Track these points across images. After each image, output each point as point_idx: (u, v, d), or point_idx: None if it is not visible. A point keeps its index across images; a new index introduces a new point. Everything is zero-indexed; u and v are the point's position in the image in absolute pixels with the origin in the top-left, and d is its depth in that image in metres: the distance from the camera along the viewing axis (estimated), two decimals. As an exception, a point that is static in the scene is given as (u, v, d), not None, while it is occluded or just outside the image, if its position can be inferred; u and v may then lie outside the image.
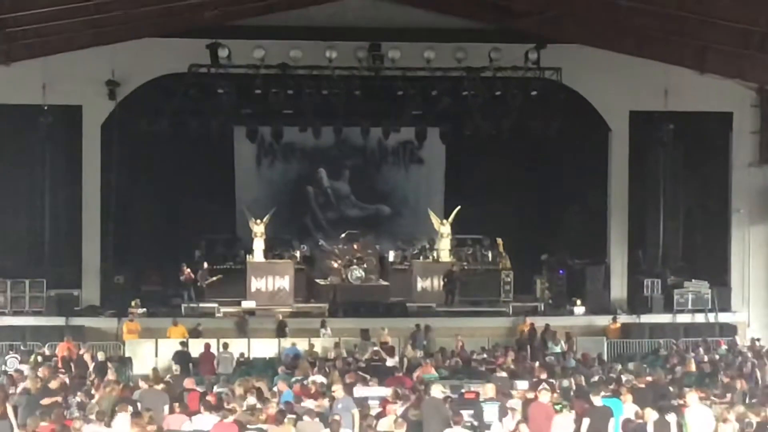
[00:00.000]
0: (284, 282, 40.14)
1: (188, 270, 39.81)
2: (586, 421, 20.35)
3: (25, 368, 29.59)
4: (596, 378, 27.76)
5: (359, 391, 25.19)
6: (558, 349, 35.54)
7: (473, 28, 40.34)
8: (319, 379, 27.22)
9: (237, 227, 43.00)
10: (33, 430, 19.00)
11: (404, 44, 38.89)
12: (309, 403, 22.94)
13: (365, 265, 40.56)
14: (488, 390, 23.15)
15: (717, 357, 34.23)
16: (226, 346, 33.95)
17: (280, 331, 36.94)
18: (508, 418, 21.41)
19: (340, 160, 44.26)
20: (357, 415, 21.40)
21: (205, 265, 40.37)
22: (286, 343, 35.19)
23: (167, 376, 27.99)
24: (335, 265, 40.75)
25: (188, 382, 25.61)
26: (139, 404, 22.25)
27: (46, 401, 22.76)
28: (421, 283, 40.75)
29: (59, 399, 23.67)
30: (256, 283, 39.85)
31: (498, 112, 39.26)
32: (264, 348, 35.61)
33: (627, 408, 21.53)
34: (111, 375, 27.55)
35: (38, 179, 40.00)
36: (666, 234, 42.13)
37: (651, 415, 21.07)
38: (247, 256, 40.52)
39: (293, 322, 38.20)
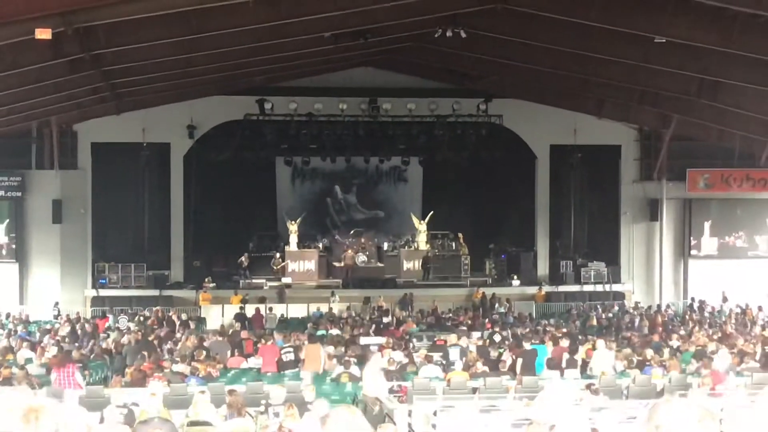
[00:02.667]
0: (311, 264, 40.06)
1: (244, 257, 39.79)
2: (520, 360, 20.36)
3: (132, 325, 29.65)
4: (527, 330, 27.82)
5: (364, 339, 25.21)
6: (502, 310, 35.58)
7: (441, 88, 40.27)
8: (335, 332, 27.27)
9: (278, 226, 42.88)
10: (138, 368, 19.01)
11: (394, 99, 39.00)
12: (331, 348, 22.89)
13: (367, 252, 40.48)
14: (452, 338, 23.24)
15: (611, 315, 34.36)
16: (271, 309, 34.04)
17: (281, 297, 36.87)
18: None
19: (350, 179, 44.17)
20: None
21: (277, 255, 39.96)
22: (313, 308, 35.19)
23: (230, 330, 28.05)
24: (347, 252, 40.68)
25: (244, 334, 25.68)
26: (210, 350, 22.32)
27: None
28: (406, 265, 40.62)
29: (155, 346, 23.73)
30: (291, 265, 39.70)
31: (459, 146, 39.45)
32: (298, 310, 35.62)
33: (549, 350, 21.58)
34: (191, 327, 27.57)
35: (140, 194, 40.01)
36: (575, 229, 42.16)
37: (565, 355, 21.13)
38: (286, 246, 40.48)
39: (317, 292, 38.29)
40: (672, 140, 39.55)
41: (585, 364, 20.73)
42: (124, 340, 24.64)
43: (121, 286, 38.79)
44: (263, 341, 23.60)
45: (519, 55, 32.17)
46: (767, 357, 20.73)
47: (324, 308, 34.70)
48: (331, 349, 22.61)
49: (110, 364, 22.07)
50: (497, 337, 24.98)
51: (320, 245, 41.67)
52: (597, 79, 33.77)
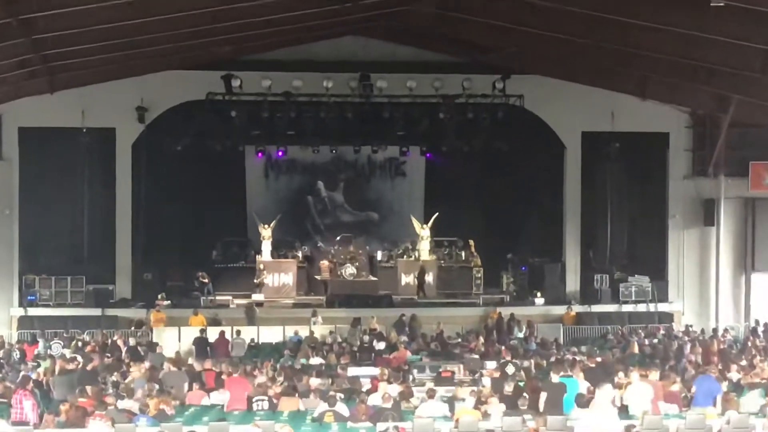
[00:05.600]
0: (288, 278, 40.10)
1: (201, 276, 39.80)
2: (543, 395, 20.30)
3: (67, 352, 29.54)
4: (554, 359, 27.77)
5: (353, 370, 25.16)
6: (521, 335, 35.57)
7: (448, 62, 40.38)
8: (317, 360, 27.22)
9: (248, 231, 42.92)
10: (75, 404, 18.89)
11: (390, 75, 38.99)
12: (313, 381, 22.90)
13: (357, 264, 40.47)
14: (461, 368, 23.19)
15: (656, 341, 34.32)
16: (238, 332, 33.99)
17: (250, 318, 36.81)
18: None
19: (335, 173, 44.24)
20: None
21: (261, 266, 39.96)
22: (290, 331, 35.12)
23: (189, 359, 27.97)
24: (326, 263, 40.56)
25: (207, 364, 25.61)
26: (164, 383, 22.27)
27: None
28: (404, 279, 40.70)
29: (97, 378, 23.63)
30: (264, 279, 39.77)
31: (470, 133, 39.44)
32: (271, 334, 35.54)
33: (581, 385, 21.52)
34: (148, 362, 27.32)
35: (78, 191, 39.81)
36: (613, 236, 42.05)
37: (600, 390, 21.11)
38: (257, 255, 40.43)
39: (295, 312, 38.25)
40: (731, 127, 39.58)
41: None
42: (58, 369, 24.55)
43: (54, 303, 38.68)
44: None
45: (544, 21, 32.17)
46: None
47: (303, 332, 34.65)
48: (315, 381, 22.58)
49: (41, 400, 21.98)
50: (510, 369, 24.89)
51: (299, 254, 41.67)
52: (640, 52, 33.77)
